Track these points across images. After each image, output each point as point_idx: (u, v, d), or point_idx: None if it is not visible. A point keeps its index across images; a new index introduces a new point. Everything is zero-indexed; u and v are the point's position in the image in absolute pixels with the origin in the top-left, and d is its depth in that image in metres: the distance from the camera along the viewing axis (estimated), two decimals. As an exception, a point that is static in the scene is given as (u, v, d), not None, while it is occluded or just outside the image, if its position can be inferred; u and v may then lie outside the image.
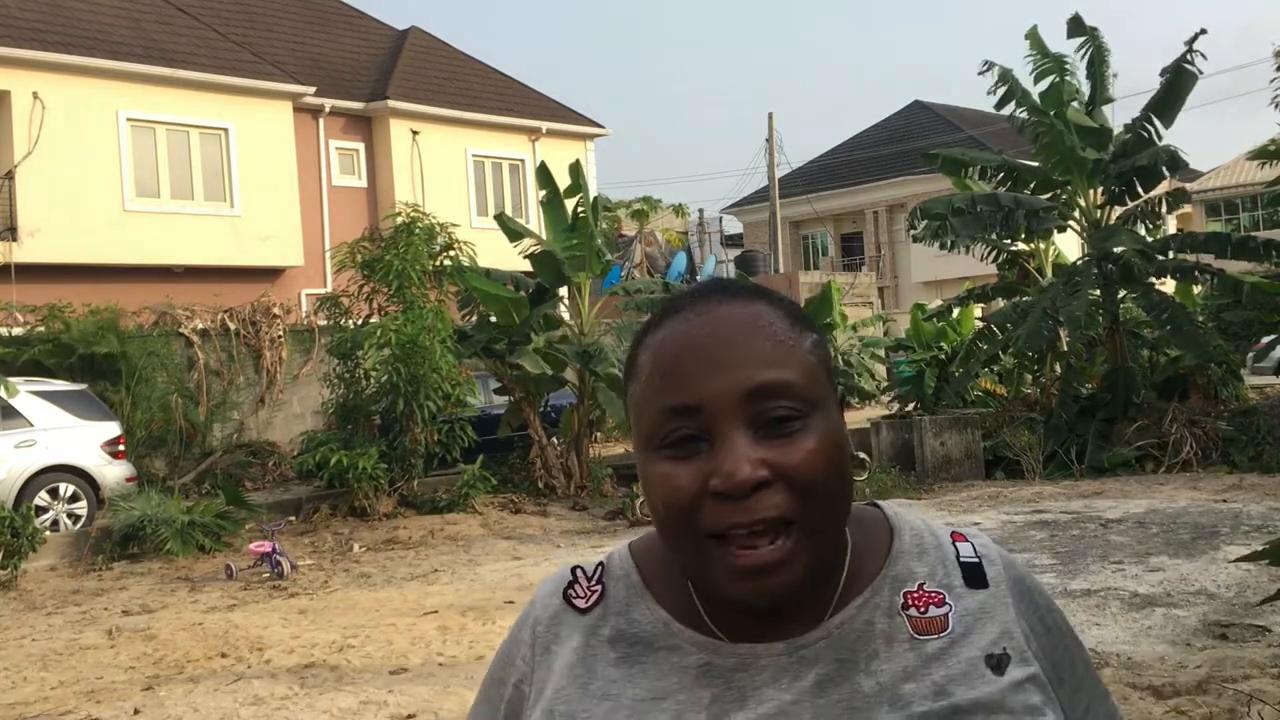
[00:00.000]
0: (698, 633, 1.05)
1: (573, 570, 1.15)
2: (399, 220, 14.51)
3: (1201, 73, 15.57)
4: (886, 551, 1.09)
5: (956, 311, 18.78)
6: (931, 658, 1.02)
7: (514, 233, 15.55)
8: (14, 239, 18.81)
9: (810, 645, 1.03)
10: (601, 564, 1.15)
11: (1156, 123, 15.88)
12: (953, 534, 1.12)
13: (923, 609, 1.05)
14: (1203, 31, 15.42)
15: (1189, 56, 15.51)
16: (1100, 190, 16.34)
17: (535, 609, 1.14)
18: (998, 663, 1.02)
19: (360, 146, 24.44)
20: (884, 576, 1.07)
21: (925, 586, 1.06)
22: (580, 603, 1.11)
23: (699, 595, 1.07)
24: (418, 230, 14.28)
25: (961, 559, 1.09)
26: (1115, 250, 15.85)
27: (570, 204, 15.32)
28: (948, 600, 1.06)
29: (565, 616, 1.11)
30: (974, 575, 1.08)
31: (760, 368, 1.00)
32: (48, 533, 11.94)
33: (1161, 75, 15.79)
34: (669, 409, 1.01)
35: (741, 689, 1.02)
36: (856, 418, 18.84)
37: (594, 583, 1.13)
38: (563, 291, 16.13)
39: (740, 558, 0.97)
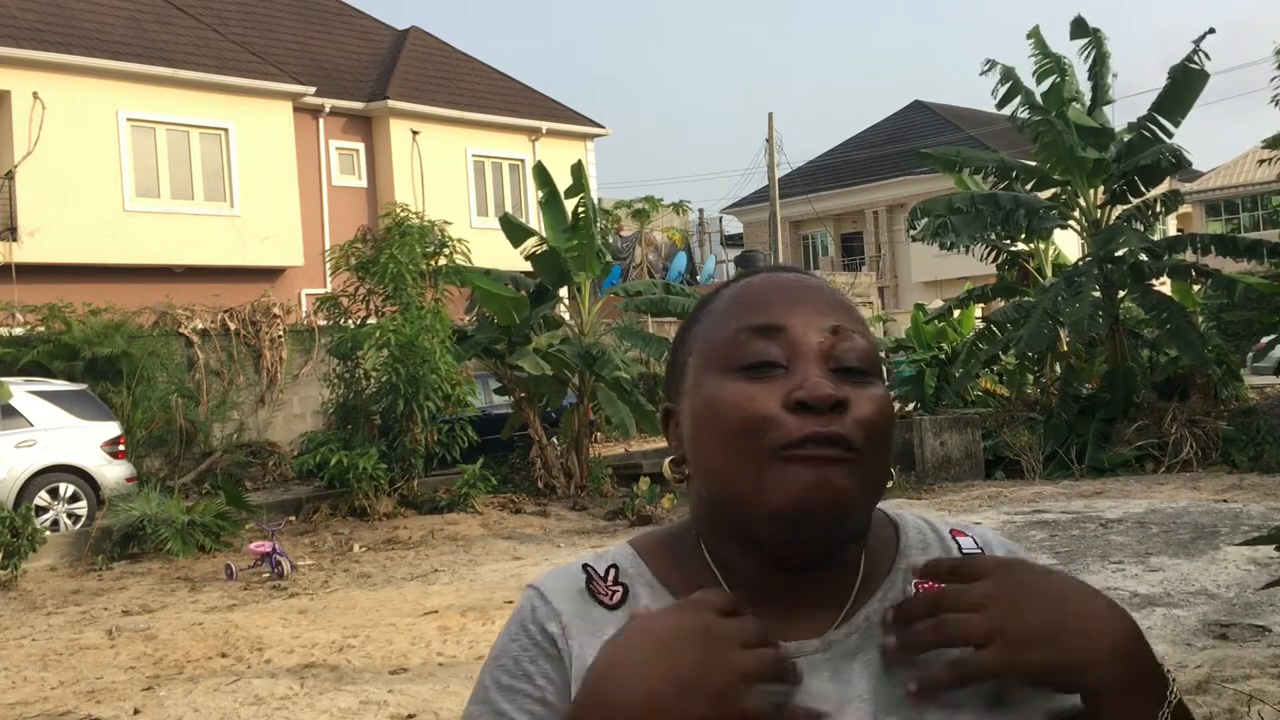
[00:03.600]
0: None
1: (584, 568, 1.09)
2: (391, 220, 14.51)
3: (1208, 74, 15.49)
4: (895, 547, 1.10)
5: (957, 312, 18.78)
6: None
7: (518, 233, 15.52)
8: (14, 239, 18.82)
9: (842, 641, 1.03)
10: (614, 565, 1.10)
11: (1163, 122, 15.81)
12: (952, 530, 1.14)
13: None
14: (1211, 31, 15.36)
15: (1195, 56, 15.45)
16: (1101, 190, 16.34)
17: (552, 604, 1.05)
18: None
19: (360, 146, 24.44)
20: (897, 570, 1.08)
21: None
22: (606, 599, 1.06)
23: (728, 578, 1.05)
24: (411, 230, 14.28)
25: (964, 551, 1.11)
26: (1117, 251, 15.84)
27: (570, 204, 15.31)
28: None
29: (593, 612, 1.05)
30: None
31: (841, 316, 1.04)
32: (48, 533, 11.94)
33: (1169, 75, 15.75)
34: (751, 327, 1.03)
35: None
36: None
37: (612, 583, 1.08)
38: (562, 292, 16.13)
39: (811, 460, 0.96)
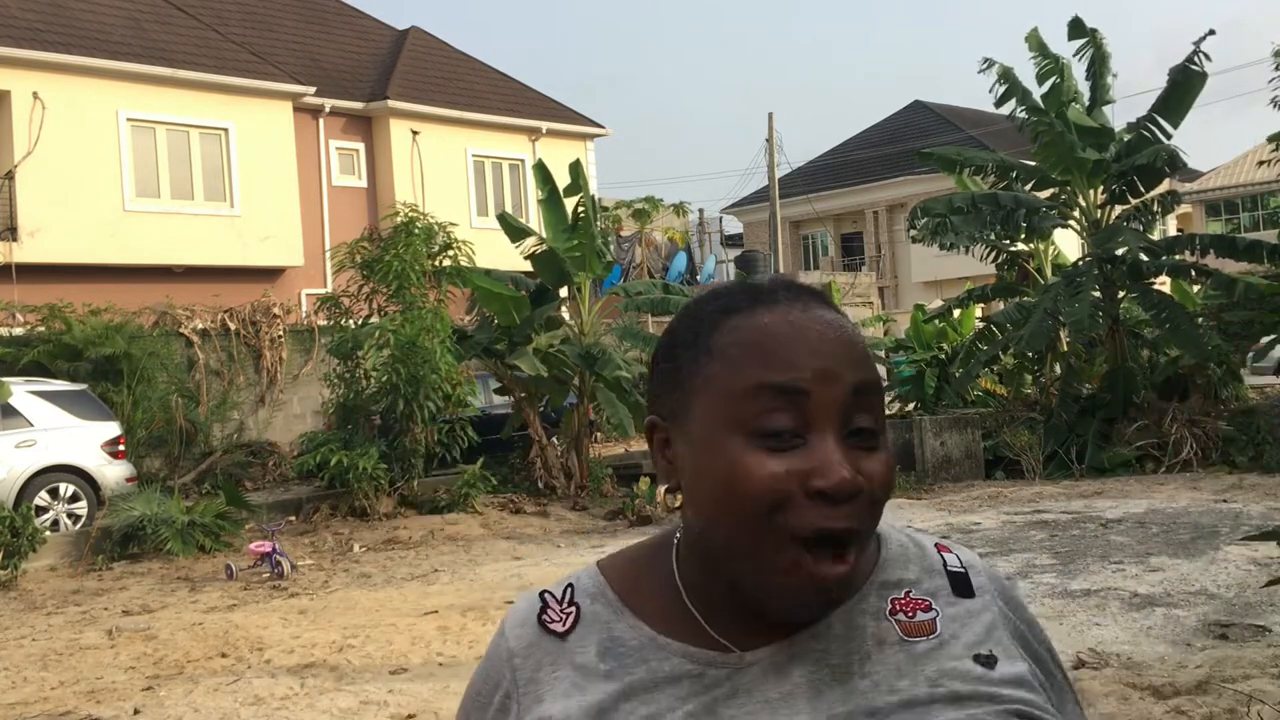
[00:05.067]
0: (685, 643, 1.04)
1: (541, 596, 1.11)
2: (397, 220, 14.51)
3: (1206, 74, 15.48)
4: (875, 559, 1.09)
5: (957, 312, 18.78)
6: (922, 656, 1.03)
7: (516, 231, 15.52)
8: (14, 239, 18.81)
9: (799, 643, 1.03)
10: (570, 585, 1.11)
11: (1162, 123, 15.81)
12: (936, 544, 1.13)
13: (911, 614, 1.06)
14: (1211, 32, 15.36)
15: (1195, 57, 15.44)
16: (1101, 190, 16.34)
17: (507, 641, 1.09)
18: (987, 661, 1.04)
19: (360, 146, 24.43)
20: (872, 582, 1.07)
21: (912, 594, 1.07)
22: (558, 627, 1.07)
23: (694, 599, 1.05)
24: (416, 230, 14.28)
25: (949, 568, 1.10)
26: (1117, 250, 15.84)
27: (570, 204, 15.31)
28: (935, 606, 1.07)
29: (543, 643, 1.07)
30: (960, 584, 1.09)
31: (862, 369, 1.02)
32: (48, 533, 11.93)
33: (1169, 76, 15.75)
34: (772, 386, 0.98)
35: (733, 688, 1.01)
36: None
37: (566, 605, 1.09)
38: (563, 292, 16.12)
39: (825, 570, 0.97)
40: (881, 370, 23.04)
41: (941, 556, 1.11)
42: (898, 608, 1.06)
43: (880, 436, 1.01)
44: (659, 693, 1.02)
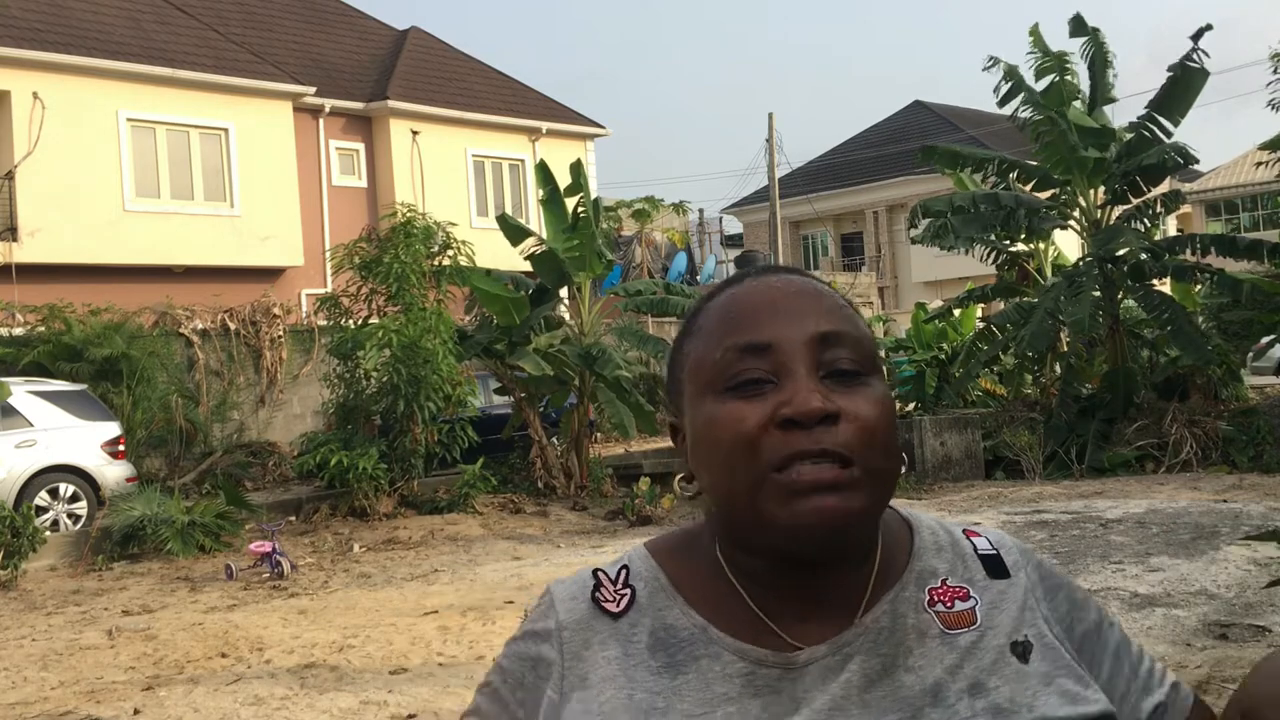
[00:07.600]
0: (738, 639, 1.04)
1: (594, 573, 1.11)
2: (395, 220, 14.50)
3: (1208, 72, 15.42)
4: (909, 548, 1.10)
5: (957, 312, 18.78)
6: (965, 651, 1.03)
7: (516, 232, 15.52)
8: (14, 239, 18.82)
9: (851, 642, 1.03)
10: (625, 566, 1.11)
11: (1163, 121, 15.75)
12: (965, 530, 1.14)
13: (949, 604, 1.06)
14: (1208, 27, 15.31)
15: (1194, 54, 15.41)
16: (1102, 190, 16.32)
17: (557, 614, 1.07)
18: (1023, 650, 1.04)
19: (360, 146, 24.44)
20: (910, 571, 1.08)
21: (948, 582, 1.08)
22: (611, 606, 1.07)
23: (738, 575, 1.06)
24: (415, 230, 14.27)
25: (980, 552, 1.11)
26: (1117, 251, 15.83)
27: (570, 203, 15.30)
28: (973, 594, 1.07)
29: (596, 622, 1.06)
30: (994, 566, 1.10)
31: (830, 319, 1.04)
32: (48, 533, 11.93)
33: (1169, 73, 15.71)
34: (739, 347, 1.03)
35: (792, 695, 1.01)
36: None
37: (621, 586, 1.09)
38: (563, 292, 16.12)
39: (802, 474, 0.97)
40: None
41: (971, 542, 1.12)
42: (936, 598, 1.06)
43: (868, 378, 1.03)
44: (709, 693, 1.01)
